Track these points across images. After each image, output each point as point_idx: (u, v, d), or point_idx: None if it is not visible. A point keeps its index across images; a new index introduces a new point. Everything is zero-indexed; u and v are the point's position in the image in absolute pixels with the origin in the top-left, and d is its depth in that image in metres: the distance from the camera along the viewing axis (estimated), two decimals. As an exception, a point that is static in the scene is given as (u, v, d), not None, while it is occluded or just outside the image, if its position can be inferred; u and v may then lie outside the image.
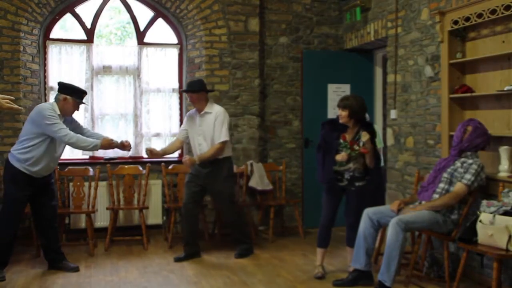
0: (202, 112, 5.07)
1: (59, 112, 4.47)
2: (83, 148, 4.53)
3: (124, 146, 4.70)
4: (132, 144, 6.07)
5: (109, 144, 4.58)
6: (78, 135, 4.48)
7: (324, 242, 4.53)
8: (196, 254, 5.15)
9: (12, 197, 4.42)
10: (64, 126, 4.41)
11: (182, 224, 5.23)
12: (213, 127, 4.99)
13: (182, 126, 5.36)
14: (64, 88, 4.57)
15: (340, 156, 4.25)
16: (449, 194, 4.01)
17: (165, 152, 5.27)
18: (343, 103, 4.32)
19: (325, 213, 4.48)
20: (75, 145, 4.46)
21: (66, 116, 4.58)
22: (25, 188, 4.44)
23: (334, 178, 4.36)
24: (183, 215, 5.19)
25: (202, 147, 5.08)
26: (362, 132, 4.26)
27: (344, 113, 4.30)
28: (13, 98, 2.07)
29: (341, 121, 4.34)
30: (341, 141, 4.28)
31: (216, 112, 5.04)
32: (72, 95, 4.53)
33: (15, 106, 1.92)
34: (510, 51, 3.98)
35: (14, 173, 4.41)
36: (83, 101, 4.65)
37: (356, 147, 4.20)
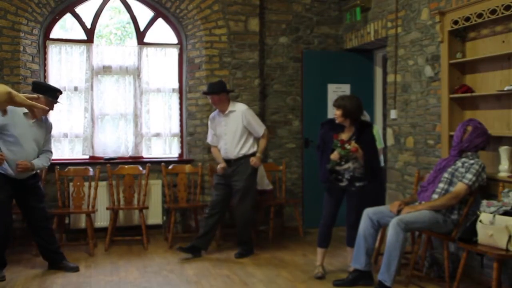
0: (227, 112, 5.15)
1: (26, 110, 4.41)
2: None
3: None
4: (132, 144, 6.11)
5: None
6: None
7: (325, 242, 4.53)
8: (197, 253, 5.16)
9: None
10: None
11: (205, 220, 5.23)
12: (243, 125, 5.09)
13: (209, 132, 5.39)
14: (38, 86, 4.55)
15: (333, 155, 4.26)
16: (450, 194, 4.01)
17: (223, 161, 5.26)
18: (337, 103, 4.34)
19: (326, 213, 4.49)
20: None
21: (40, 116, 4.52)
22: (4, 188, 4.36)
23: (333, 178, 4.36)
24: (209, 213, 5.21)
25: (227, 146, 5.15)
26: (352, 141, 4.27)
27: (338, 112, 4.32)
28: (36, 97, 2.00)
29: (337, 120, 4.35)
30: (334, 140, 4.30)
31: (241, 111, 5.13)
32: (45, 93, 4.48)
33: (40, 105, 1.87)
34: (510, 51, 3.98)
35: None
36: (58, 100, 4.59)
37: (347, 146, 4.19)
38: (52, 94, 4.53)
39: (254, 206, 5.33)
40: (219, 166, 5.23)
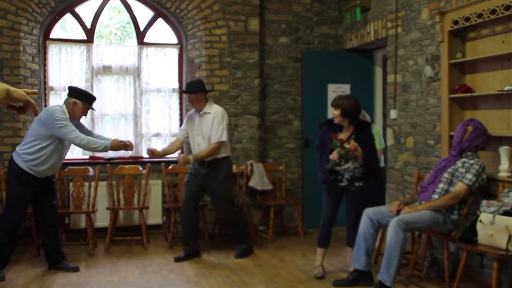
0: (201, 112, 5.06)
1: (67, 116, 4.51)
2: (94, 149, 4.59)
3: (126, 146, 4.74)
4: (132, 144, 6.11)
5: (119, 145, 4.65)
6: (89, 137, 4.56)
7: (324, 242, 4.53)
8: (196, 254, 5.15)
9: (15, 197, 4.44)
10: (75, 128, 4.46)
11: (181, 224, 5.25)
12: (211, 127, 4.99)
13: (182, 126, 5.36)
14: (75, 92, 4.62)
15: (332, 155, 4.26)
16: (450, 194, 4.01)
17: (166, 152, 5.23)
18: (335, 103, 4.35)
19: (326, 213, 4.48)
20: (86, 147, 4.53)
21: (74, 120, 4.60)
22: (28, 188, 4.45)
23: (332, 178, 4.36)
24: (182, 215, 5.20)
25: (201, 147, 5.07)
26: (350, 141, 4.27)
27: (336, 112, 4.32)
28: (37, 92, 2.00)
29: (335, 120, 4.35)
30: (333, 139, 4.30)
31: (214, 113, 5.02)
32: (82, 99, 4.57)
33: (35, 105, 1.84)
34: (510, 51, 3.98)
35: (18, 173, 4.42)
36: (92, 106, 4.70)
37: (346, 145, 4.19)
38: (88, 101, 4.63)
39: (234, 204, 5.25)
40: (148, 147, 5.16)
